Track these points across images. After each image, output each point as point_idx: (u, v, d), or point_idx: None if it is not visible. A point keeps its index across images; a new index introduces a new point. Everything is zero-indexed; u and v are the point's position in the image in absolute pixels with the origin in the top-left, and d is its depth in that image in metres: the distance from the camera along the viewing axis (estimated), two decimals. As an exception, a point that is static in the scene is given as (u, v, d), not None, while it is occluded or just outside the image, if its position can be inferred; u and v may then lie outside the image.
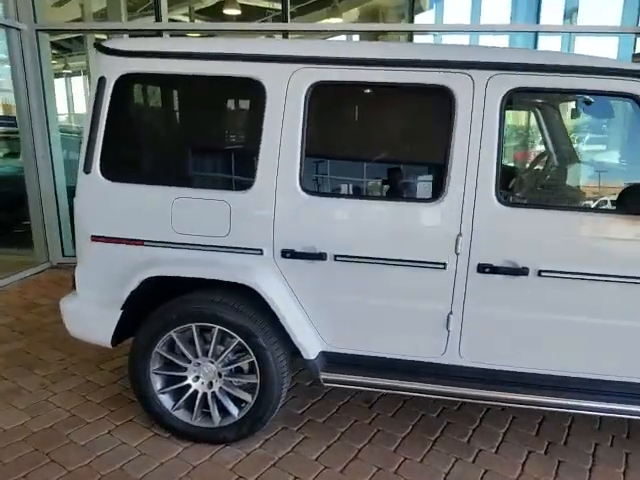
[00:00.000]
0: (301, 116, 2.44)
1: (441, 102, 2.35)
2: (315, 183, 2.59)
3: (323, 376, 2.57)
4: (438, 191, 2.40)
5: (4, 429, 2.81)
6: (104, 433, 2.80)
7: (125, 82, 2.57)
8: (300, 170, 2.46)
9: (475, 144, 2.32)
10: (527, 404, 2.47)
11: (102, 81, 2.57)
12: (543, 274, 2.32)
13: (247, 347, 2.56)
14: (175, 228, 2.58)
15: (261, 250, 2.53)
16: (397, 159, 2.65)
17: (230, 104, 2.90)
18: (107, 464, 2.56)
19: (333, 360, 2.62)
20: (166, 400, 2.73)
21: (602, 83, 2.24)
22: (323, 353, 2.62)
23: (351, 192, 2.63)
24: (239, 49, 2.47)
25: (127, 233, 2.64)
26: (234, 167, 2.72)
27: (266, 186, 2.49)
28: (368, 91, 2.49)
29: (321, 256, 2.49)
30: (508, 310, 2.42)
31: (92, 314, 2.75)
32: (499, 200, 2.33)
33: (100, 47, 2.59)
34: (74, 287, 2.79)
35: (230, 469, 2.55)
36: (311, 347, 2.58)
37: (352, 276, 2.51)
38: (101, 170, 2.61)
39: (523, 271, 2.33)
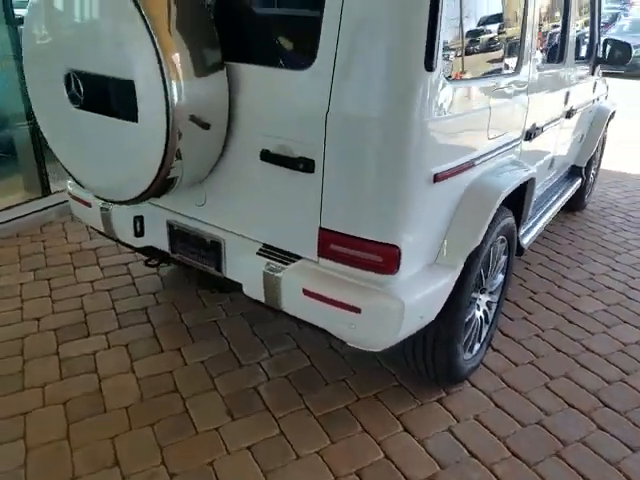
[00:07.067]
0: None
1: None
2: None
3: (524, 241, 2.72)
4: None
5: None
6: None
7: None
8: None
9: None
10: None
11: None
12: None
13: (506, 247, 2.40)
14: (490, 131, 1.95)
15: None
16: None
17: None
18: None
19: None
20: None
21: None
22: None
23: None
24: None
25: (472, 152, 1.82)
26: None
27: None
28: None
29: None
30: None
31: (442, 287, 1.81)
32: None
33: None
34: (388, 267, 1.64)
35: (530, 363, 2.50)
36: None
37: None
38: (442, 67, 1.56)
39: None
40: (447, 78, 1.61)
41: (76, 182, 1.96)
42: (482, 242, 1.93)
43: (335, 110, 1.54)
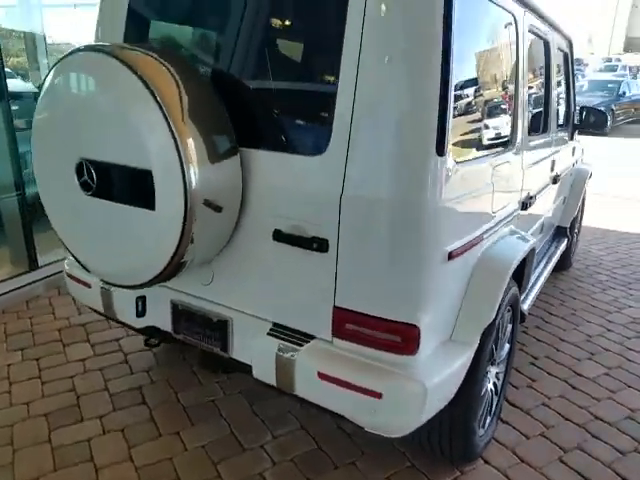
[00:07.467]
0: None
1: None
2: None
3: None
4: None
5: None
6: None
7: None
8: None
9: None
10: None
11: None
12: None
13: (511, 316, 2.40)
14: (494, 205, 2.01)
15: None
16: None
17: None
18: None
19: None
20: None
21: None
22: None
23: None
24: None
25: (481, 227, 1.88)
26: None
27: None
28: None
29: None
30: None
31: (460, 365, 1.77)
32: None
33: None
34: (407, 348, 1.61)
35: (541, 435, 2.43)
36: None
37: None
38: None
39: None
40: (455, 160, 1.65)
41: (82, 266, 1.91)
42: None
43: (349, 193, 1.55)
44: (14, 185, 3.65)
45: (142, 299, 2.07)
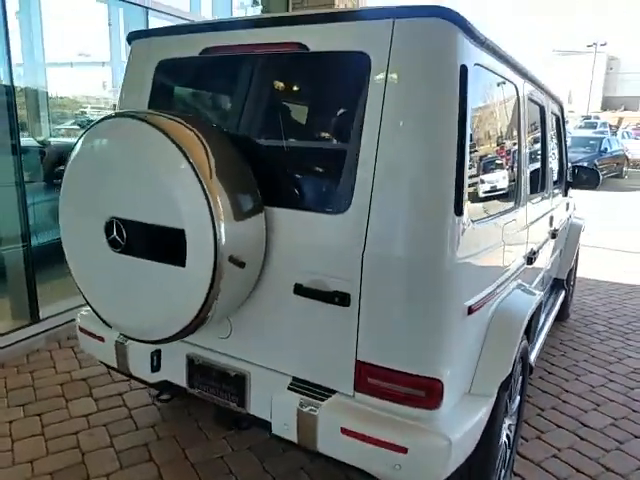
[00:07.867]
0: None
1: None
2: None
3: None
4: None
5: None
6: None
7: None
8: None
9: None
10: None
11: (463, 73, 1.63)
12: None
13: (521, 368, 2.42)
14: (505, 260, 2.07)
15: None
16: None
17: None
18: None
19: None
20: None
21: None
22: None
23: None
24: None
25: (495, 282, 1.95)
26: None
27: None
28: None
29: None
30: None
31: (481, 418, 1.78)
32: None
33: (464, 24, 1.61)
34: (431, 402, 1.63)
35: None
36: None
37: None
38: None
39: None
40: (471, 218, 1.73)
41: (102, 320, 1.93)
42: (511, 368, 1.96)
43: (372, 250, 1.62)
44: (20, 236, 3.67)
45: (157, 353, 2.07)
